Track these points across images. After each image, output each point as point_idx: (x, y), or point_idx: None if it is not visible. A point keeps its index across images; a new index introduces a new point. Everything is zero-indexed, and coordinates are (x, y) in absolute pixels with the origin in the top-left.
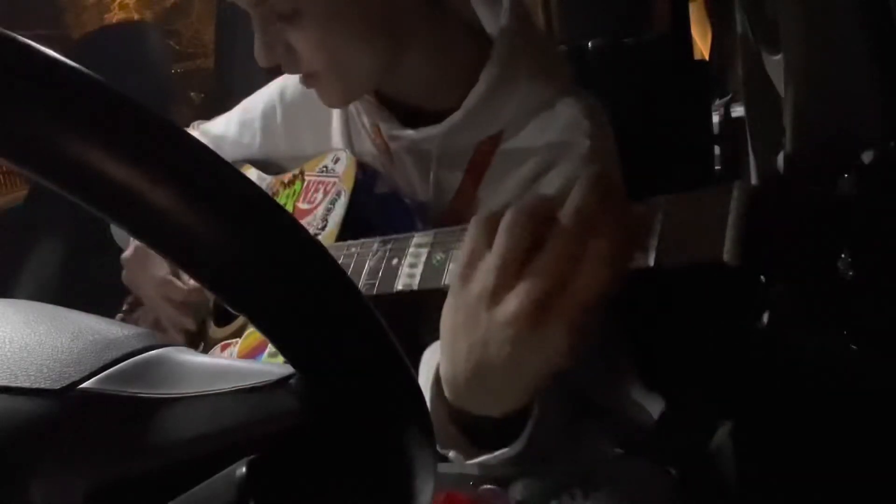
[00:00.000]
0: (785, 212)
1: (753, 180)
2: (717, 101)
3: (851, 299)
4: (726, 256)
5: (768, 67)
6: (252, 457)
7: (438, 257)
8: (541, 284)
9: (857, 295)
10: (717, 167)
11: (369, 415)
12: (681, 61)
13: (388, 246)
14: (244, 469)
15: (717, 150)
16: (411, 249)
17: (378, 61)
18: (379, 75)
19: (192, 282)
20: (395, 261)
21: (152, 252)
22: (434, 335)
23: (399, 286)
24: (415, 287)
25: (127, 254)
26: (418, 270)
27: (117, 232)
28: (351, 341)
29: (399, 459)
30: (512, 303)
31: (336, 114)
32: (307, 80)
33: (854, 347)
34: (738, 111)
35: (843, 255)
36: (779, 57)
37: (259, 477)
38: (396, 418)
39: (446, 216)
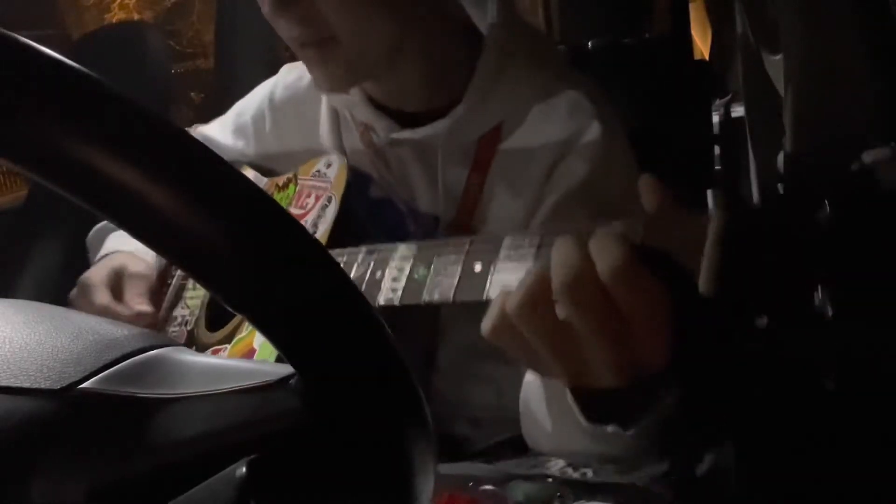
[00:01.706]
0: (761, 244)
1: (753, 180)
2: (717, 101)
3: (828, 336)
4: (702, 288)
5: (768, 67)
6: (252, 457)
7: (420, 272)
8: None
9: (833, 332)
10: (717, 167)
11: (369, 414)
12: (681, 61)
13: (373, 257)
14: (244, 469)
15: (717, 150)
16: (395, 262)
17: (391, 36)
18: (387, 56)
19: (136, 307)
20: (378, 273)
21: (93, 284)
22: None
23: (381, 301)
24: (396, 303)
25: (72, 294)
26: (400, 285)
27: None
28: (351, 341)
29: (399, 459)
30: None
31: (324, 114)
32: (319, 47)
33: (831, 386)
34: (738, 111)
35: (819, 291)
36: (779, 57)
37: (259, 477)
38: (396, 418)
39: (458, 216)
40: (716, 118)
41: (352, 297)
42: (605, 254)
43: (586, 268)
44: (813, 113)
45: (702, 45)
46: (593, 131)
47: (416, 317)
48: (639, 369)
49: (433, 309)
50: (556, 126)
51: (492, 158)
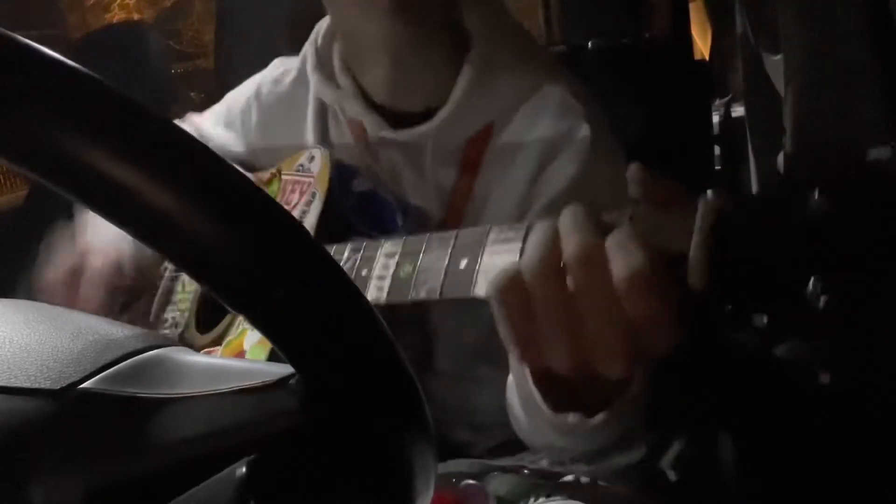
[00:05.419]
0: (752, 233)
1: (754, 180)
2: (717, 101)
3: (821, 327)
4: (690, 279)
5: (768, 67)
6: (252, 457)
7: (406, 270)
8: (618, 340)
9: (827, 323)
10: (717, 167)
11: (369, 415)
12: (681, 61)
13: (359, 255)
14: (244, 469)
15: (717, 150)
16: (380, 260)
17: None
18: (437, 16)
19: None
20: (364, 271)
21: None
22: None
23: (368, 298)
24: (382, 301)
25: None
26: (386, 283)
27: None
28: (350, 341)
29: (399, 460)
30: (610, 368)
31: (310, 109)
32: None
33: (825, 377)
34: (738, 111)
35: (812, 280)
36: (779, 57)
37: (259, 477)
38: (396, 419)
39: (448, 217)
40: (716, 118)
41: (352, 296)
42: (622, 257)
43: (596, 253)
44: (813, 113)
45: (702, 45)
46: (582, 132)
47: (406, 318)
48: (643, 357)
49: (423, 309)
50: (544, 126)
51: (481, 159)
